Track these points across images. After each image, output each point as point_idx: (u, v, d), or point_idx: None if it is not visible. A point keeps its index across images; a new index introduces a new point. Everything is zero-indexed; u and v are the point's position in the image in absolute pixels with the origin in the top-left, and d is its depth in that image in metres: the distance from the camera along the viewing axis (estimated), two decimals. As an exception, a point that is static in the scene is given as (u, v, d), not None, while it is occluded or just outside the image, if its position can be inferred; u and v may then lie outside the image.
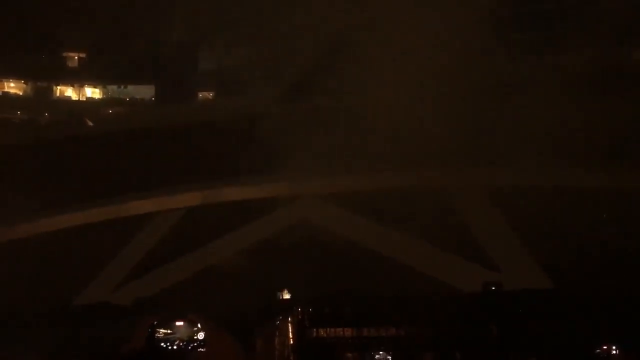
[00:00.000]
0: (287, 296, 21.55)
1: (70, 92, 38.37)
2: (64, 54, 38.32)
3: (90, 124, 32.58)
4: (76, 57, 38.50)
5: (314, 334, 17.74)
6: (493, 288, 18.05)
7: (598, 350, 8.17)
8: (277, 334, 18.34)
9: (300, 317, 18.25)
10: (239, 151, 26.00)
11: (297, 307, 18.80)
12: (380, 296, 19.42)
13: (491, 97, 21.79)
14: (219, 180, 25.66)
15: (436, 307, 16.94)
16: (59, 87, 38.06)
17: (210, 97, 38.87)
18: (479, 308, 16.81)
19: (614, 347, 7.81)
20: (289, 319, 18.50)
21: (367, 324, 17.36)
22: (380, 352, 15.84)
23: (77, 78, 37.86)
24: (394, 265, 22.19)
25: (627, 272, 16.46)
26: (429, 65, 24.52)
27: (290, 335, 18.23)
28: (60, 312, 17.85)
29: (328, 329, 17.71)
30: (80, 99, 37.74)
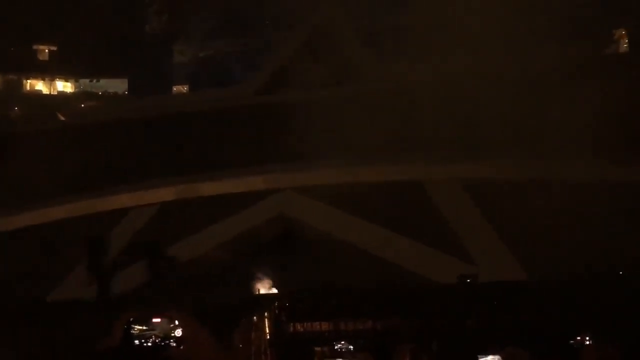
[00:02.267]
0: (264, 291, 21.51)
1: (41, 86, 37.68)
2: (34, 47, 37.59)
3: (62, 118, 32.06)
4: (47, 50, 37.81)
5: (291, 329, 17.73)
6: (469, 280, 18.17)
7: (572, 341, 8.31)
8: (254, 328, 18.28)
9: (277, 311, 18.22)
10: (214, 145, 25.81)
11: (273, 301, 18.76)
12: (357, 289, 19.48)
13: (470, 90, 21.90)
14: (194, 175, 25.45)
15: (413, 300, 17.03)
16: (29, 81, 37.35)
17: (185, 91, 38.58)
18: (455, 300, 16.94)
19: (587, 338, 7.95)
20: (266, 314, 18.45)
21: (345, 317, 17.39)
22: (342, 342, 15.83)
23: (48, 71, 37.19)
24: (371, 258, 22.26)
25: (602, 264, 16.73)
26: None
27: (267, 330, 18.19)
28: (35, 309, 17.50)
29: (305, 324, 17.71)
30: (52, 93, 37.11)
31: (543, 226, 19.80)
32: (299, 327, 17.90)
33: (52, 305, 19.09)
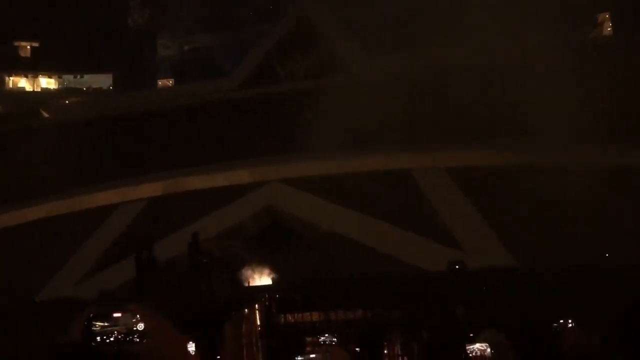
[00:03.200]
0: (254, 283, 21.51)
1: (24, 83, 37.19)
2: (16, 44, 37.04)
3: (46, 115, 31.72)
4: (29, 47, 37.27)
5: (282, 320, 17.78)
6: (457, 267, 18.27)
7: (555, 325, 8.43)
8: (244, 320, 18.30)
9: (267, 303, 18.25)
10: (200, 139, 25.71)
11: (264, 293, 18.79)
12: (346, 279, 19.54)
13: (457, 80, 21.94)
14: (180, 170, 25.36)
15: (402, 288, 17.11)
16: (11, 78, 36.84)
17: (170, 84, 38.22)
18: (444, 287, 17.03)
19: (569, 322, 8.07)
20: (256, 306, 18.48)
21: (335, 307, 17.45)
22: (326, 335, 15.94)
23: (31, 68, 36.68)
24: (360, 248, 22.33)
25: (588, 251, 16.89)
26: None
27: (258, 322, 18.23)
28: (22, 308, 17.35)
29: (295, 315, 17.76)
30: (35, 90, 36.65)
31: (530, 213, 19.96)
32: (289, 318, 17.95)
33: (40, 304, 18.96)
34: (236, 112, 26.11)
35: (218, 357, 16.18)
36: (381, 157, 23.82)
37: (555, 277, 14.63)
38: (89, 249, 24.17)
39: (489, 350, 3.95)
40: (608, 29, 29.02)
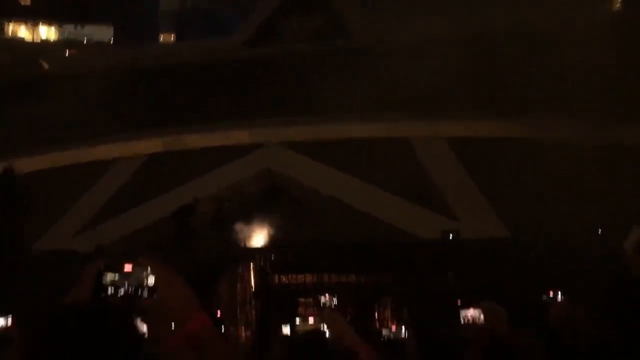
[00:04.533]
0: (249, 243, 21.71)
1: (23, 33, 36.65)
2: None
3: (46, 66, 31.40)
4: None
5: (276, 281, 18.03)
6: (451, 236, 18.43)
7: (545, 296, 8.59)
8: (239, 280, 18.57)
9: (262, 264, 18.48)
10: (201, 97, 25.53)
11: (259, 254, 19.01)
12: (341, 243, 19.74)
13: (458, 50, 21.66)
14: (180, 127, 25.27)
15: (395, 254, 17.30)
16: (10, 25, 36.27)
17: (172, 40, 37.75)
18: (436, 255, 17.23)
19: (559, 293, 8.22)
20: (251, 266, 18.72)
21: (328, 270, 17.68)
22: (327, 295, 16.14)
23: (31, 15, 36.07)
24: (356, 213, 22.47)
25: (583, 223, 17.00)
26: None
27: (252, 282, 18.50)
28: (19, 258, 17.51)
29: (289, 276, 18.00)
30: (35, 40, 36.16)
31: (528, 186, 20.01)
32: (283, 279, 18.20)
33: (38, 254, 19.14)
34: (238, 72, 25.85)
35: (218, 313, 16.48)
36: (381, 125, 23.75)
37: (545, 250, 14.82)
38: (86, 203, 24.28)
39: (482, 317, 4.04)
40: (617, 5, 28.57)
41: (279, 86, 24.06)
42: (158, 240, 19.91)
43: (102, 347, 1.46)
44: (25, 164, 24.89)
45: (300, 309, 16.50)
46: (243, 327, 17.53)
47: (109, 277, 1.90)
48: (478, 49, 21.32)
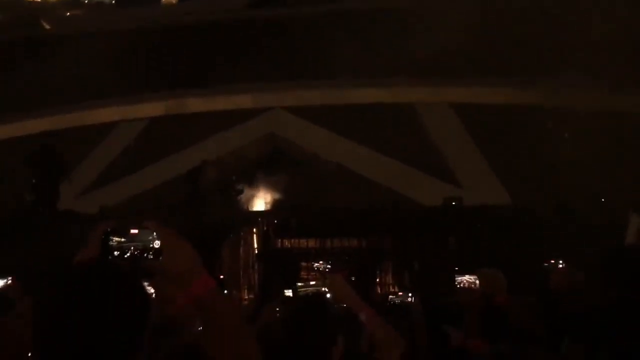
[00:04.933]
0: (252, 208, 21.80)
1: (23, -9, 36.02)
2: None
3: (47, 26, 30.99)
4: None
5: (278, 244, 18.18)
6: (453, 203, 18.42)
7: (546, 264, 8.58)
8: (242, 243, 18.72)
9: (264, 228, 18.61)
10: (204, 60, 25.23)
11: (262, 218, 19.11)
12: (344, 208, 19.79)
13: (465, 12, 21.23)
14: (183, 91, 25.07)
15: (398, 220, 17.36)
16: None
17: (174, 1, 37.11)
18: (439, 221, 17.28)
19: (560, 262, 8.19)
20: (254, 230, 18.84)
21: (331, 235, 17.79)
22: (328, 258, 16.31)
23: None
24: (359, 179, 22.44)
25: (586, 192, 16.94)
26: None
27: (255, 245, 18.65)
28: (23, 220, 17.64)
29: (292, 240, 18.15)
30: (35, 0, 35.59)
31: (531, 152, 19.89)
32: (286, 243, 18.35)
33: (41, 215, 19.23)
34: (242, 34, 25.46)
35: (221, 276, 16.66)
36: (386, 90, 23.48)
37: (547, 217, 14.81)
38: (89, 165, 24.30)
39: (477, 282, 4.02)
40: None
41: (284, 50, 23.72)
42: (160, 204, 19.97)
43: (110, 306, 1.46)
44: (25, 127, 24.88)
45: (303, 273, 16.64)
46: (246, 291, 17.74)
47: (115, 239, 1.88)
48: (487, 13, 20.88)
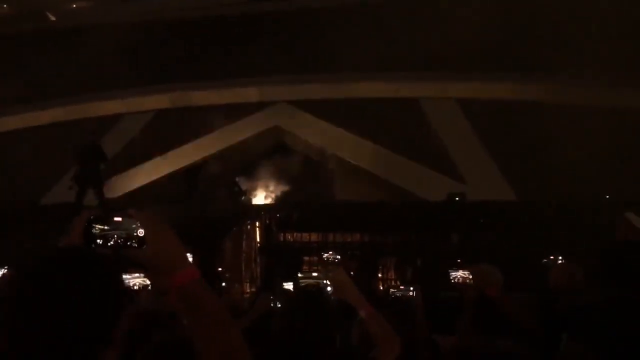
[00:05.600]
0: (254, 201, 21.81)
1: (29, -16, 36.03)
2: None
3: (53, 18, 31.04)
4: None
5: (281, 238, 18.18)
6: (457, 199, 18.38)
7: (545, 260, 8.54)
8: (244, 236, 18.74)
9: (267, 221, 18.61)
10: (209, 53, 25.20)
11: (264, 212, 19.10)
12: (347, 203, 19.78)
13: (469, 6, 21.10)
14: (187, 84, 25.06)
15: (401, 215, 17.32)
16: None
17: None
18: (442, 217, 17.24)
19: (560, 257, 8.16)
20: (257, 223, 18.85)
21: (334, 229, 17.77)
22: (330, 252, 16.29)
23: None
24: (362, 173, 22.42)
25: (591, 187, 16.86)
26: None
27: (258, 239, 18.66)
28: (26, 213, 17.74)
29: (294, 234, 18.14)
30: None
31: (537, 150, 19.79)
32: (288, 237, 18.35)
33: (44, 208, 19.35)
34: (247, 27, 25.41)
35: (219, 269, 16.69)
36: (391, 84, 23.40)
37: (551, 214, 14.73)
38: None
39: (471, 277, 3.99)
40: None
41: (289, 43, 23.66)
42: (165, 197, 20.02)
43: (83, 295, 1.43)
44: (31, 119, 24.97)
45: (305, 267, 16.66)
46: (248, 284, 17.77)
47: (98, 227, 1.87)
48: (493, 8, 20.74)
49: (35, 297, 1.39)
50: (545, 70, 21.30)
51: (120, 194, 21.40)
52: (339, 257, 16.52)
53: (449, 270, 4.09)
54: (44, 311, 1.37)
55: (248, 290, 17.30)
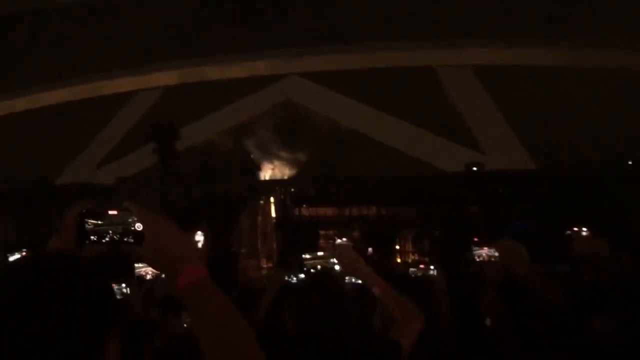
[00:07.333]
0: (270, 176, 21.67)
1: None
2: None
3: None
4: None
5: (296, 213, 18.06)
6: (475, 169, 18.01)
7: (569, 232, 8.22)
8: (260, 212, 18.67)
9: (282, 196, 18.49)
10: (218, 28, 24.85)
11: (279, 186, 18.99)
12: (363, 176, 19.54)
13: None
14: (197, 59, 24.78)
15: (418, 187, 17.05)
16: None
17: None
18: (461, 188, 16.91)
19: (584, 229, 7.85)
20: (272, 199, 18.75)
21: (349, 203, 17.58)
22: (338, 230, 16.11)
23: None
24: (378, 146, 22.09)
25: (612, 156, 16.40)
26: None
27: (273, 214, 18.58)
28: (40, 192, 17.77)
29: (310, 208, 18.00)
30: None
31: (555, 117, 19.31)
32: (303, 211, 18.21)
33: (59, 187, 19.37)
34: (256, 1, 24.93)
35: (234, 247, 16.66)
36: (405, 53, 22.87)
37: (571, 183, 14.35)
38: (107, 136, 24.33)
39: (497, 255, 3.81)
40: None
41: (300, 15, 23.17)
42: (176, 175, 19.89)
43: (63, 305, 1.26)
44: (44, 98, 24.91)
45: (321, 242, 16.55)
46: (265, 259, 17.73)
47: (92, 222, 1.64)
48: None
49: (12, 306, 1.23)
50: (564, 36, 20.65)
51: (133, 172, 21.34)
52: (353, 232, 16.38)
53: (473, 247, 3.81)
54: (22, 320, 1.22)
55: (265, 266, 17.26)
